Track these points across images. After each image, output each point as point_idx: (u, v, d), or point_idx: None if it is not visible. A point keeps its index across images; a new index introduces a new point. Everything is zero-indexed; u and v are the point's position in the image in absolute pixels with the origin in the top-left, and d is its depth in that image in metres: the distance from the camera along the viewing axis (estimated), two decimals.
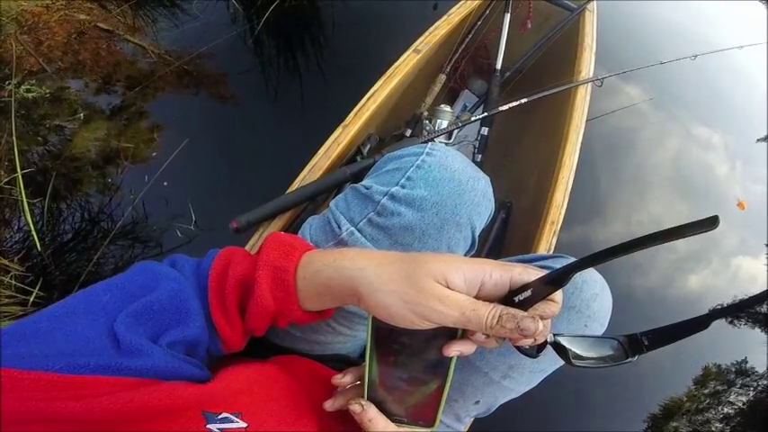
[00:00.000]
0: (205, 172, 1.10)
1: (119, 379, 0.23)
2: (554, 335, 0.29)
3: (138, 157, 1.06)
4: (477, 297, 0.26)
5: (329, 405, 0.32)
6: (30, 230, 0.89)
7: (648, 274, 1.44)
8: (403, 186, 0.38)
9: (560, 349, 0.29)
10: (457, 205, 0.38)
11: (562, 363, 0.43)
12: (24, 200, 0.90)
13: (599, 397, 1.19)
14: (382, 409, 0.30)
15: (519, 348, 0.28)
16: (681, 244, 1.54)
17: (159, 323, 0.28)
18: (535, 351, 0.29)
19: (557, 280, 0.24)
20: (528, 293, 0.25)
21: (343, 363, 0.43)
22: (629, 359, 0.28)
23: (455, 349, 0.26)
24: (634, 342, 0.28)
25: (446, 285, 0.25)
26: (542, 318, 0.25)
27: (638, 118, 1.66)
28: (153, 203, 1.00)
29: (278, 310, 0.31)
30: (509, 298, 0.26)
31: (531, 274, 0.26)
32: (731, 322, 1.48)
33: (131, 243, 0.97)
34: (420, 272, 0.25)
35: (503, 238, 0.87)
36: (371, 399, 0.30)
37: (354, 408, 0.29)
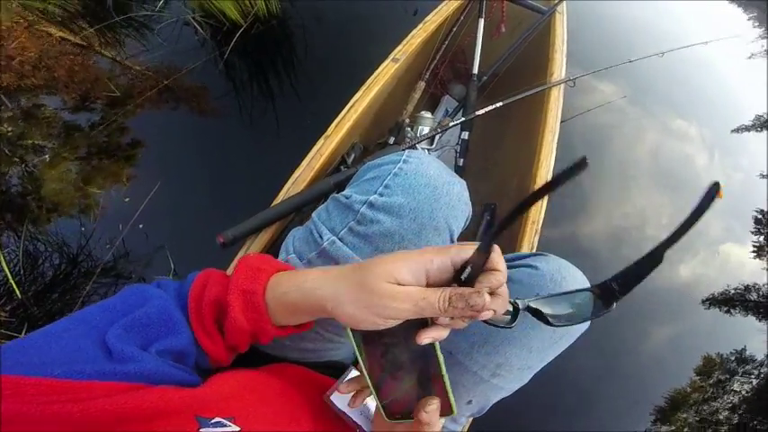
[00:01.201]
0: (185, 199, 1.10)
1: (113, 384, 0.25)
2: (526, 300, 0.30)
3: (110, 202, 1.06)
4: (428, 285, 0.27)
5: (343, 387, 0.34)
6: (7, 277, 0.90)
7: None
8: (381, 194, 0.40)
9: (536, 313, 0.30)
10: (434, 210, 0.40)
11: (549, 359, 0.44)
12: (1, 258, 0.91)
13: (603, 393, 1.22)
14: (397, 409, 0.31)
15: (491, 323, 0.30)
16: (665, 233, 1.58)
17: (148, 335, 0.30)
18: (509, 321, 0.30)
19: (484, 248, 0.25)
20: (469, 269, 0.26)
21: (336, 369, 0.44)
22: (606, 310, 0.29)
23: (427, 336, 0.27)
24: (606, 289, 0.29)
25: (396, 282, 0.27)
26: (492, 288, 0.26)
27: (616, 114, 1.72)
28: (133, 239, 1.01)
29: (253, 329, 0.33)
30: (457, 278, 0.27)
31: (468, 250, 0.27)
32: (727, 311, 1.52)
33: (115, 280, 0.98)
34: (370, 277, 0.27)
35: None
36: (383, 402, 0.31)
37: (434, 406, 0.30)
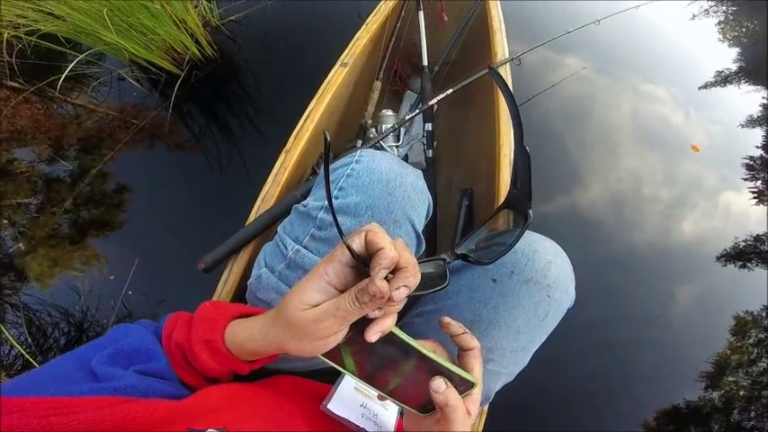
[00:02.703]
0: (165, 248, 1.13)
1: (102, 398, 0.27)
2: (456, 251, 0.31)
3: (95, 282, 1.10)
4: (343, 291, 0.28)
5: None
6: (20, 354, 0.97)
7: (643, 228, 1.50)
8: (336, 197, 0.42)
9: (466, 258, 0.31)
10: (389, 204, 0.42)
11: (542, 338, 0.46)
12: (8, 335, 0.98)
13: (641, 364, 1.23)
14: (417, 401, 0.32)
15: (426, 292, 0.31)
16: (663, 191, 1.62)
17: (130, 360, 0.33)
18: (441, 280, 0.32)
19: (342, 235, 0.27)
20: (360, 262, 0.27)
21: (331, 375, 0.45)
22: (526, 222, 0.32)
23: (373, 333, 0.28)
24: (515, 202, 0.32)
25: (311, 306, 0.28)
26: (386, 267, 0.26)
27: (588, 86, 1.77)
28: (131, 300, 1.06)
29: (226, 369, 0.36)
30: (361, 273, 0.27)
31: (344, 247, 0.27)
32: (743, 266, 1.52)
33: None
34: (288, 313, 0.29)
35: (470, 223, 0.91)
36: (404, 402, 0.32)
37: (438, 384, 0.30)
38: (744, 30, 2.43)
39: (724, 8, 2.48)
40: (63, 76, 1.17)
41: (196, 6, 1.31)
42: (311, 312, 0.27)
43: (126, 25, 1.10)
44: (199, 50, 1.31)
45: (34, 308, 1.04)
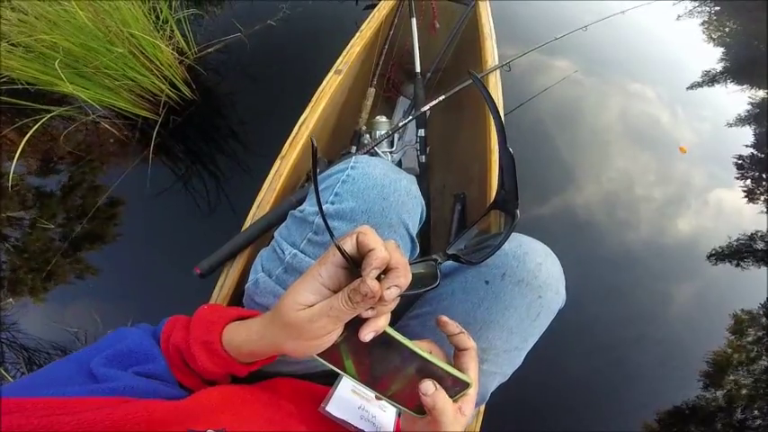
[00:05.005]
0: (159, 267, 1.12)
1: (101, 399, 0.28)
2: (447, 251, 0.32)
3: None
4: (336, 292, 0.28)
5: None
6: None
7: (638, 227, 1.52)
8: (332, 203, 0.44)
9: (457, 258, 0.32)
10: (384, 209, 0.43)
11: (535, 338, 0.47)
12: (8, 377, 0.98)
13: (640, 362, 1.23)
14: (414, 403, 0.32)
15: (418, 291, 0.32)
16: (655, 190, 1.64)
17: (128, 361, 0.34)
18: (432, 279, 0.33)
19: (332, 236, 0.27)
20: (349, 264, 0.28)
21: (330, 377, 0.45)
22: (514, 222, 0.34)
23: (367, 332, 0.28)
24: (502, 203, 0.33)
25: (305, 306, 0.29)
26: (377, 267, 0.27)
27: (578, 88, 1.81)
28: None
29: (224, 371, 0.37)
30: (353, 274, 0.28)
31: (335, 249, 0.28)
32: (737, 265, 1.54)
33: None
34: (283, 313, 0.29)
35: (463, 228, 0.92)
36: (402, 403, 0.32)
37: (427, 386, 0.30)
38: (727, 30, 2.49)
39: (707, 8, 2.54)
40: (28, 135, 1.06)
41: (170, 38, 1.24)
42: (306, 313, 0.28)
43: (89, 71, 1.01)
44: (175, 92, 1.22)
45: (32, 347, 1.03)
